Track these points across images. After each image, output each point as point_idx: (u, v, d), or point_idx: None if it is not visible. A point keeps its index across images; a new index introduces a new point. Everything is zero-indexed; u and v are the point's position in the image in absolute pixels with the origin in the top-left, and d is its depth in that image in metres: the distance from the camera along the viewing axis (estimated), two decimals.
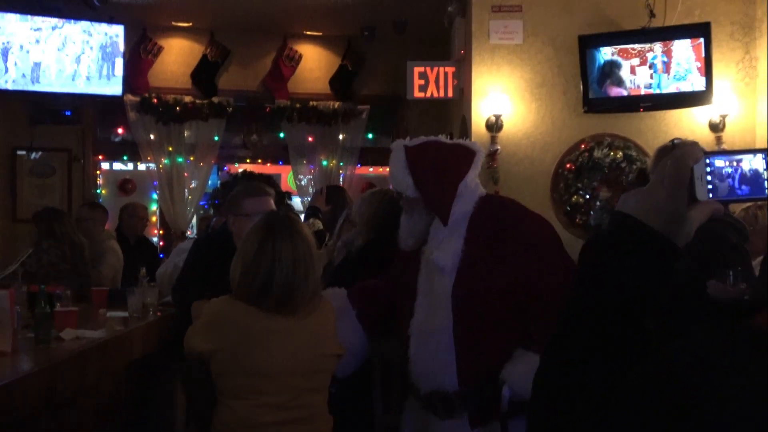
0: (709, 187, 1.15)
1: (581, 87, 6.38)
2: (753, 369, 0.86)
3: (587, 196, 6.41)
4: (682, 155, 1.12)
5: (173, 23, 8.54)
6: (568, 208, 6.44)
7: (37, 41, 7.51)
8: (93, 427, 3.39)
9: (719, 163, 1.15)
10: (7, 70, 7.41)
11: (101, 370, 3.89)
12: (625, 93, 6.27)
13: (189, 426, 3.02)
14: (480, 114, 6.49)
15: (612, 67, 6.27)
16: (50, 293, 3.87)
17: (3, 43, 7.38)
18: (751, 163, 1.15)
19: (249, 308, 2.80)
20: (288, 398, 2.82)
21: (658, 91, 6.17)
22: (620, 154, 6.41)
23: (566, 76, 6.51)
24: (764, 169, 1.13)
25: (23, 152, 8.25)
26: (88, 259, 5.87)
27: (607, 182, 6.38)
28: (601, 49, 6.29)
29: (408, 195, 3.01)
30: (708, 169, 1.15)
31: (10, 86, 7.46)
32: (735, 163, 1.15)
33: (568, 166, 6.47)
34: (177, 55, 8.72)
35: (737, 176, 1.15)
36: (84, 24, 7.69)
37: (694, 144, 1.17)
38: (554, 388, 1.09)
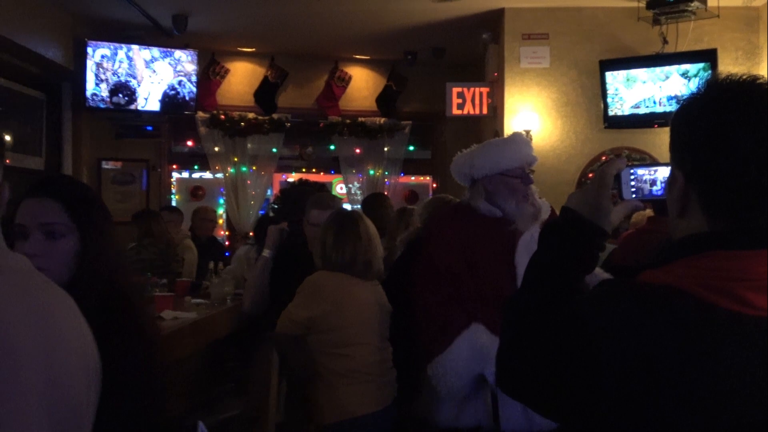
0: (633, 189, 1.48)
1: (602, 105, 6.67)
2: (630, 307, 1.19)
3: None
4: (606, 166, 1.47)
5: (239, 48, 8.87)
6: None
7: (126, 65, 7.97)
8: (184, 395, 3.73)
9: (641, 172, 1.48)
10: (99, 91, 7.88)
11: (193, 345, 4.25)
12: (641, 111, 6.54)
13: (287, 394, 3.35)
14: (511, 129, 6.80)
15: (629, 87, 6.55)
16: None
17: (96, 68, 7.84)
18: (664, 172, 1.42)
19: (340, 275, 3.32)
20: (378, 343, 3.32)
21: (670, 109, 6.43)
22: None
23: (588, 95, 6.81)
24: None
25: (107, 163, 8.68)
26: (179, 257, 6.26)
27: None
28: (620, 72, 6.57)
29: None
30: (632, 177, 1.48)
31: (101, 104, 7.92)
32: (653, 173, 1.48)
33: (590, 175, 6.77)
34: (242, 77, 9.05)
35: (653, 182, 1.47)
36: (163, 50, 8.14)
37: (622, 159, 1.51)
38: (515, 328, 1.39)
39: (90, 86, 7.82)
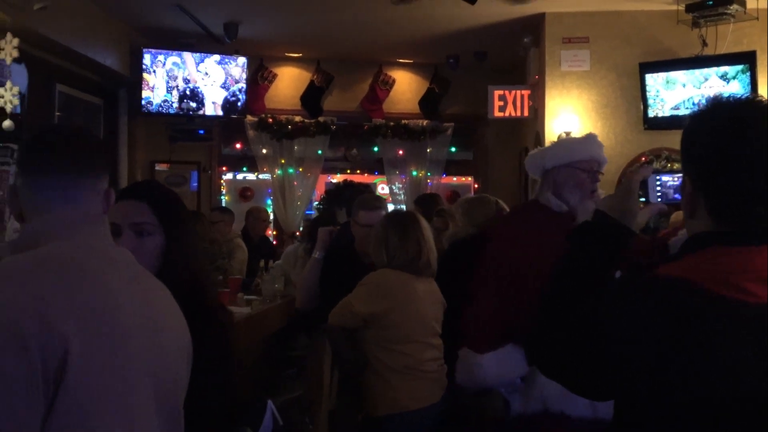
0: (658, 193, 1.66)
1: (641, 107, 6.77)
2: (644, 297, 1.36)
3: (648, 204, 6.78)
4: (633, 173, 1.65)
5: (286, 54, 9.11)
6: None
7: (179, 72, 8.28)
8: (252, 379, 3.95)
9: (665, 178, 1.66)
10: (153, 98, 8.19)
11: (247, 339, 4.48)
12: (680, 113, 6.63)
13: (339, 383, 3.54)
14: (552, 131, 6.93)
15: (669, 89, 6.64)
16: None
17: (151, 75, 8.15)
18: None
19: (404, 274, 3.49)
20: (433, 340, 3.50)
21: None
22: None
23: (628, 98, 6.91)
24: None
25: (160, 165, 8.99)
26: (225, 254, 6.50)
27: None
28: (660, 74, 6.66)
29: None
30: (658, 183, 1.66)
31: (155, 110, 8.23)
32: (676, 179, 1.66)
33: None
34: (289, 81, 9.27)
35: (676, 187, 1.64)
36: (215, 57, 8.42)
37: (648, 167, 1.68)
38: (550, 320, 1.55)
39: (161, 93, 8.18)
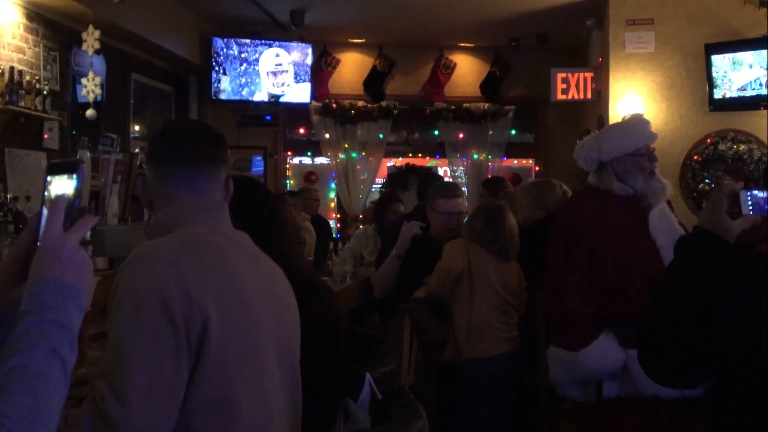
0: (750, 206, 1.78)
1: (707, 88, 6.73)
2: (757, 279, 1.47)
3: (712, 185, 6.76)
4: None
5: (349, 40, 9.25)
6: (695, 195, 6.83)
7: (246, 60, 8.49)
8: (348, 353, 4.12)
9: (756, 192, 1.80)
10: (221, 84, 8.41)
11: None
12: (747, 93, 6.57)
13: (421, 360, 3.74)
14: (616, 113, 6.92)
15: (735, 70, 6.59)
16: None
17: (220, 63, 8.37)
18: None
19: (482, 249, 3.82)
20: (512, 307, 3.83)
21: None
22: (743, 147, 6.74)
23: (693, 79, 6.87)
24: None
25: (229, 150, 9.20)
26: (299, 238, 6.67)
27: (730, 172, 6.69)
28: (726, 55, 6.61)
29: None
30: (749, 197, 1.78)
31: (223, 97, 8.46)
32: (766, 193, 1.80)
33: (695, 158, 6.85)
34: (352, 67, 9.41)
35: (766, 199, 1.78)
36: (281, 44, 8.61)
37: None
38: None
39: (228, 80, 8.46)
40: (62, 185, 1.23)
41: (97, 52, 5.91)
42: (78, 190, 1.23)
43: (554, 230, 3.35)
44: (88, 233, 1.23)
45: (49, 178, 1.25)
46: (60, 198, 1.22)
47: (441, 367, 3.84)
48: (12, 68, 5.42)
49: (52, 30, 6.10)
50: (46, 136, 6.01)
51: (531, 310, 4.01)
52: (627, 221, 3.21)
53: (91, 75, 5.87)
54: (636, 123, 3.36)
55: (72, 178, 1.23)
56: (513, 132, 9.74)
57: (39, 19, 5.93)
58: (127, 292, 1.53)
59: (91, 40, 5.74)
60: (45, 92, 5.69)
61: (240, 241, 1.76)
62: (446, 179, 9.35)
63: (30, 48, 5.81)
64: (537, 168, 9.89)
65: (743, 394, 1.46)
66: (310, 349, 1.93)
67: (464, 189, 9.54)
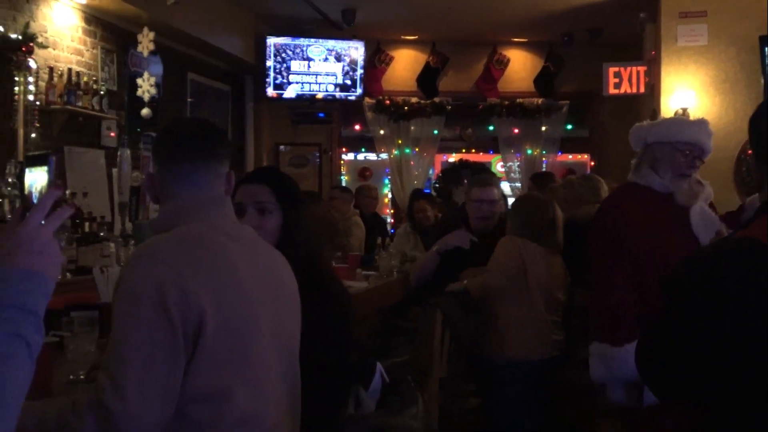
0: None
1: (762, 81, 6.57)
2: (744, 263, 1.45)
3: None
4: None
5: (402, 37, 9.30)
6: (750, 190, 6.67)
7: (300, 58, 8.63)
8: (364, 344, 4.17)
9: None
10: (276, 83, 8.57)
11: (365, 311, 4.69)
12: None
13: (453, 352, 3.77)
14: (669, 107, 6.81)
15: None
16: None
17: (274, 61, 8.53)
18: None
19: (533, 243, 3.80)
20: (560, 306, 3.84)
21: None
22: None
23: (747, 72, 6.70)
24: None
25: (283, 147, 9.39)
26: (342, 232, 6.75)
27: None
28: None
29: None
30: None
31: (278, 95, 8.61)
32: None
33: (749, 152, 6.67)
34: (405, 63, 9.47)
35: None
36: (334, 42, 8.72)
37: None
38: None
39: (283, 78, 8.61)
40: (37, 175, 1.32)
41: (153, 52, 6.11)
42: (51, 179, 1.31)
43: (597, 225, 3.32)
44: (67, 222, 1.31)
45: (25, 170, 1.34)
46: (50, 194, 1.30)
47: (481, 364, 3.83)
48: (70, 70, 5.63)
49: (110, 32, 6.31)
50: (112, 134, 6.24)
51: (569, 305, 3.99)
52: (668, 218, 3.15)
53: (146, 75, 6.06)
54: (694, 122, 3.32)
55: (44, 168, 1.32)
56: (568, 127, 9.70)
57: (97, 22, 6.15)
58: (127, 288, 1.63)
59: (145, 41, 5.93)
60: (102, 92, 5.90)
61: (239, 235, 1.84)
62: (500, 175, 9.39)
63: (88, 50, 6.02)
64: (592, 163, 9.79)
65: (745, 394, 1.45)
66: (320, 341, 2.01)
67: (518, 184, 9.53)
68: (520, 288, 3.73)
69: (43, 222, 1.25)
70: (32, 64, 5.13)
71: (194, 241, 1.71)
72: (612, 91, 7.68)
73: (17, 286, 1.17)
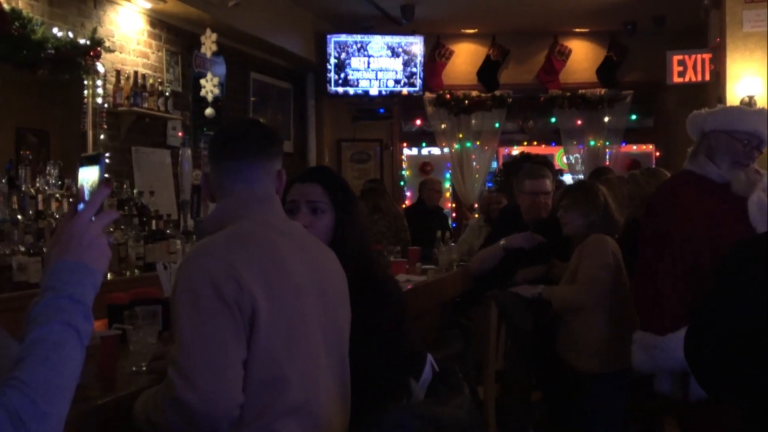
0: None
1: None
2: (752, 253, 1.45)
3: None
4: None
5: (462, 30, 9.30)
6: None
7: (360, 54, 8.71)
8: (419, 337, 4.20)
9: None
10: (337, 80, 8.67)
11: (425, 304, 4.71)
12: None
13: (511, 346, 3.72)
14: (735, 95, 6.65)
15: None
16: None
17: (335, 59, 8.63)
18: None
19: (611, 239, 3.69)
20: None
21: None
22: None
23: None
24: None
25: (346, 144, 9.49)
26: (406, 227, 6.80)
27: None
28: None
29: None
30: None
31: (339, 91, 8.71)
32: None
33: None
34: (465, 57, 9.46)
35: None
36: (393, 38, 8.77)
37: None
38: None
39: (344, 75, 8.71)
40: (89, 173, 1.40)
41: (216, 53, 6.26)
42: (101, 178, 1.39)
43: (649, 212, 3.28)
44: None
45: (80, 169, 1.42)
46: (100, 192, 1.38)
47: (574, 376, 3.63)
48: (136, 72, 5.81)
49: (174, 35, 6.47)
50: (180, 133, 6.41)
51: None
52: (724, 208, 3.09)
53: (209, 76, 6.21)
54: (751, 110, 3.28)
55: (96, 167, 1.40)
56: (633, 117, 9.53)
57: (161, 25, 6.31)
58: (185, 286, 1.72)
59: (208, 42, 6.08)
60: (167, 94, 6.06)
61: (288, 230, 1.90)
62: (564, 167, 9.30)
63: (153, 53, 6.19)
64: (657, 153, 9.60)
65: None
66: (374, 336, 2.06)
67: (581, 176, 9.41)
68: (610, 292, 3.57)
69: (93, 218, 1.33)
70: (100, 68, 5.31)
71: (245, 237, 1.79)
72: (676, 79, 7.52)
73: (69, 277, 1.25)
